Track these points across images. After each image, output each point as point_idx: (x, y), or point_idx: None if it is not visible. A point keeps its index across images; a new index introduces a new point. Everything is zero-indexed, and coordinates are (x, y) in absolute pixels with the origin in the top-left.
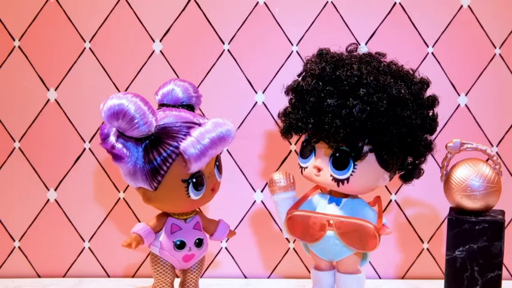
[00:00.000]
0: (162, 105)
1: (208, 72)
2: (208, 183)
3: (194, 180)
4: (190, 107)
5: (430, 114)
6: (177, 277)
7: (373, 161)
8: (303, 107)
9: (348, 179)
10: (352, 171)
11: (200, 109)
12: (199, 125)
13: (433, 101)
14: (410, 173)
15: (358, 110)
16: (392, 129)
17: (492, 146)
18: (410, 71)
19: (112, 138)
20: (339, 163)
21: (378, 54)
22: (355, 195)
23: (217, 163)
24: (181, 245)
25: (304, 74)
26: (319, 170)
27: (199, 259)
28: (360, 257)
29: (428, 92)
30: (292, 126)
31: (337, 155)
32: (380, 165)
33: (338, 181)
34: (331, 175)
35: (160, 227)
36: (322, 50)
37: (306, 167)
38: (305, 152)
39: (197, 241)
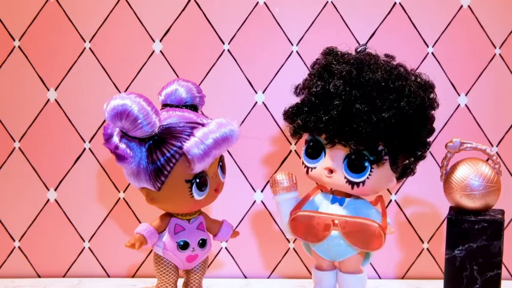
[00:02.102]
0: (165, 105)
1: (208, 72)
2: (211, 183)
3: (198, 180)
4: (194, 107)
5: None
6: (181, 277)
7: (386, 164)
8: (326, 109)
9: (363, 182)
10: (369, 175)
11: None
12: (203, 125)
13: (437, 103)
14: (405, 173)
15: (388, 116)
16: (413, 134)
17: (492, 146)
18: (417, 73)
19: (115, 139)
20: (356, 166)
21: (386, 57)
22: (357, 195)
23: (220, 163)
24: (184, 246)
25: (322, 73)
26: (331, 171)
27: (203, 259)
28: (362, 257)
29: None
30: (309, 126)
31: (353, 157)
32: (391, 167)
33: (353, 184)
34: (346, 177)
35: (163, 228)
36: (332, 49)
37: (314, 168)
38: (313, 152)
39: (201, 241)
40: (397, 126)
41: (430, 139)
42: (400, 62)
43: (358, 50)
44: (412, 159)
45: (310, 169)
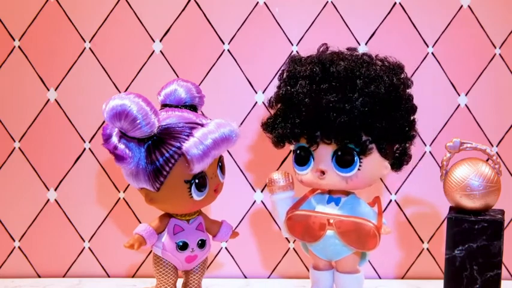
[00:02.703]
0: (164, 105)
1: (208, 72)
2: (211, 184)
3: (197, 181)
4: (193, 108)
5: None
6: (180, 278)
7: (375, 152)
8: (298, 111)
9: (356, 175)
10: (359, 167)
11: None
12: (202, 125)
13: (410, 81)
14: (401, 160)
15: (361, 103)
16: (391, 116)
17: (492, 146)
18: (383, 57)
19: (114, 139)
20: (345, 161)
21: (348, 50)
22: (354, 195)
23: (220, 164)
24: (183, 246)
25: (288, 80)
26: (323, 173)
27: (202, 260)
28: (359, 257)
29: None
30: (287, 134)
31: (340, 153)
32: (380, 154)
33: (346, 179)
34: (338, 174)
35: (162, 228)
36: (294, 56)
37: (306, 174)
38: (302, 159)
39: (200, 242)
40: (372, 111)
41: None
42: (365, 51)
43: (320, 50)
44: (402, 141)
45: (302, 176)
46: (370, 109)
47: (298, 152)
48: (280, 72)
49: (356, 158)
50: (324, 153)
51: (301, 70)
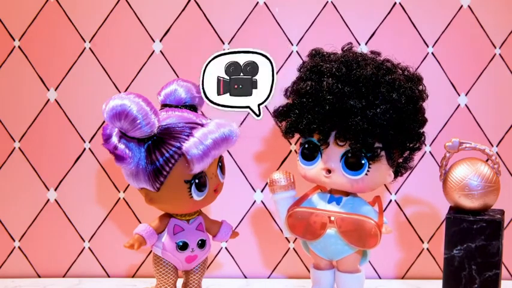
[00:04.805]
0: (164, 105)
1: None
2: (211, 184)
3: (197, 181)
4: (193, 108)
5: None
6: (180, 278)
7: (383, 159)
8: (319, 107)
9: (362, 179)
10: (367, 171)
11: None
12: (202, 125)
13: (426, 94)
14: (404, 168)
15: (382, 110)
16: (406, 127)
17: (492, 146)
18: (404, 67)
19: (114, 139)
20: (354, 164)
21: (372, 53)
22: (355, 194)
23: (220, 164)
24: (183, 246)
25: (311, 74)
26: (329, 171)
27: (202, 260)
28: (360, 256)
29: (428, 92)
30: (301, 128)
31: (350, 155)
32: (388, 162)
33: (352, 182)
34: (344, 176)
35: (162, 228)
36: (318, 50)
37: (311, 169)
38: (309, 155)
39: (200, 242)
40: (391, 120)
41: (425, 130)
42: (386, 57)
43: (345, 48)
44: (408, 152)
45: (307, 171)
46: (389, 117)
47: (306, 146)
48: (301, 64)
49: (365, 162)
50: (334, 152)
51: (326, 67)
